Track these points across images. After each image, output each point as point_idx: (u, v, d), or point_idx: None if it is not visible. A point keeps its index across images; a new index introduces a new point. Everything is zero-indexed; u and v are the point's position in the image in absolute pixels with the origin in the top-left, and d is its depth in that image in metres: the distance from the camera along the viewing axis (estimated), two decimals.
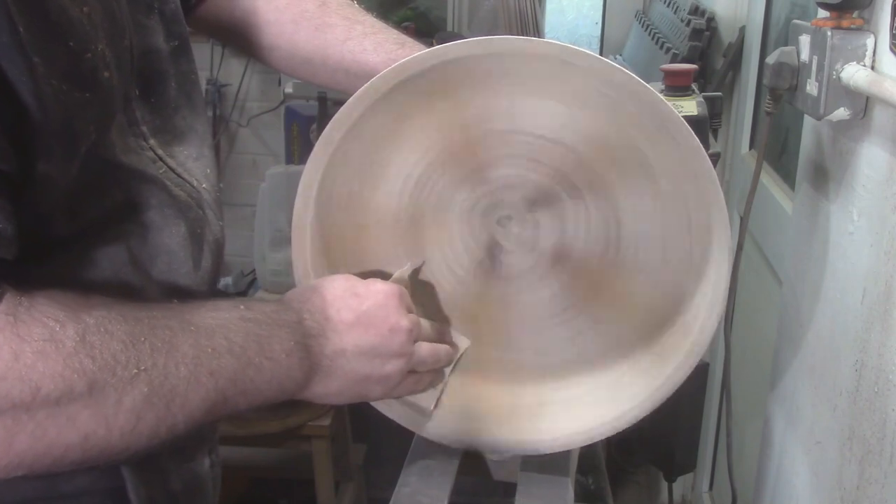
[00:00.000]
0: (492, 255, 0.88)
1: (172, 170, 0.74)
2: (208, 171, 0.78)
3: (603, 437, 0.91)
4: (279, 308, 0.71)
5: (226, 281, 3.32)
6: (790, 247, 1.18)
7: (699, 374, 0.88)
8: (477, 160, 0.84)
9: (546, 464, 0.93)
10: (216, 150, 3.29)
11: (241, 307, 0.67)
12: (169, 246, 0.71)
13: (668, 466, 1.59)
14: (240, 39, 0.95)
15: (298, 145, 2.96)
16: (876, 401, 0.83)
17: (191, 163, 0.76)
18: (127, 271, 0.68)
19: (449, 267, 0.90)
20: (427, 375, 0.82)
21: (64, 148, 0.59)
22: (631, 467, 2.18)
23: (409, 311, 0.79)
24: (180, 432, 0.61)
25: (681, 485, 2.17)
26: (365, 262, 0.88)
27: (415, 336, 0.78)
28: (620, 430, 0.89)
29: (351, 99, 0.78)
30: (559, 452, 0.92)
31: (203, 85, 3.20)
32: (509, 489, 0.93)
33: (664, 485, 1.94)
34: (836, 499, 0.92)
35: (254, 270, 2.95)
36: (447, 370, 0.87)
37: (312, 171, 0.82)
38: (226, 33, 0.95)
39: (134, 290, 0.69)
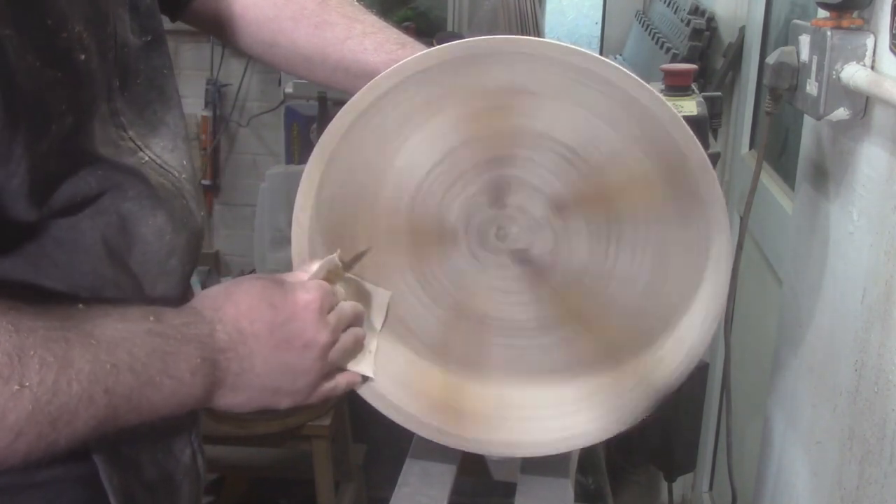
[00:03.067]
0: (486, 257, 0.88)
1: (153, 160, 0.73)
2: (184, 162, 0.77)
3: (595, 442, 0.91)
4: (190, 320, 0.68)
5: (226, 281, 3.32)
6: (790, 247, 1.18)
7: (699, 374, 0.87)
8: (485, 162, 0.84)
9: (546, 464, 0.93)
10: (216, 149, 3.29)
11: (151, 318, 0.65)
12: (146, 236, 0.70)
13: (668, 466, 1.59)
14: (237, 35, 0.94)
15: (298, 145, 2.96)
16: (876, 401, 0.83)
17: (167, 154, 0.76)
18: (103, 261, 0.67)
19: (442, 266, 0.89)
20: (343, 377, 0.82)
21: (32, 124, 0.58)
22: (631, 467, 2.18)
23: (332, 310, 0.77)
24: (61, 449, 0.59)
25: (681, 485, 2.17)
26: (364, 262, 0.88)
27: (333, 340, 0.77)
28: (620, 431, 0.89)
29: (352, 98, 0.78)
30: (559, 453, 0.92)
31: (203, 85, 3.20)
32: (509, 489, 0.93)
33: (664, 485, 1.94)
34: (836, 499, 0.92)
35: (253, 270, 2.95)
36: (375, 330, 0.87)
37: (313, 170, 0.82)
38: (222, 29, 0.94)
39: (108, 280, 0.67)
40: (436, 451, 0.94)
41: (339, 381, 0.81)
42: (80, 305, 0.63)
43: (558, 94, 0.78)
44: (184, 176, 0.77)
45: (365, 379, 0.86)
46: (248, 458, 2.23)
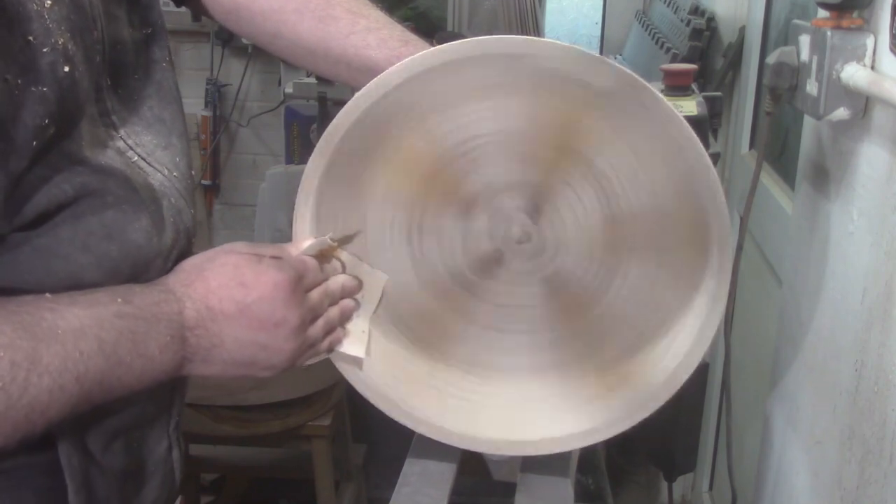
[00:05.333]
0: (489, 255, 0.88)
1: (143, 158, 0.73)
2: (177, 159, 0.77)
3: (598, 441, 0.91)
4: (160, 298, 0.69)
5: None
6: (790, 247, 1.18)
7: (699, 374, 0.87)
8: (450, 184, 0.84)
9: (546, 464, 0.93)
10: (216, 149, 3.29)
11: (119, 300, 0.65)
12: (136, 240, 0.69)
13: (668, 466, 1.59)
14: (241, 24, 0.94)
15: (298, 145, 2.96)
16: (876, 401, 0.83)
17: (159, 152, 0.76)
18: (83, 268, 0.66)
19: (443, 261, 0.89)
20: (325, 342, 0.82)
21: (10, 146, 0.58)
22: (631, 467, 2.18)
23: (315, 286, 0.78)
24: (36, 435, 0.61)
25: (681, 485, 2.17)
26: (365, 262, 0.88)
27: (312, 318, 0.77)
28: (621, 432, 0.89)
29: (354, 97, 0.78)
30: (559, 452, 0.92)
31: (203, 85, 3.20)
32: (509, 489, 0.93)
33: (664, 485, 1.94)
34: (836, 499, 0.92)
35: None
36: (369, 312, 0.87)
37: (313, 170, 0.82)
38: (227, 17, 0.94)
39: (87, 286, 0.67)
40: (436, 451, 0.94)
41: (322, 345, 0.82)
42: (48, 295, 0.63)
43: (609, 115, 0.80)
44: (175, 174, 0.76)
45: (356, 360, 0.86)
46: (248, 458, 2.23)
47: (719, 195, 0.78)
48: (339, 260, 0.85)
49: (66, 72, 0.61)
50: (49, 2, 0.61)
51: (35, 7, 0.59)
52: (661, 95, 0.75)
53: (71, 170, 0.65)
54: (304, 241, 0.82)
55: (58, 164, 0.64)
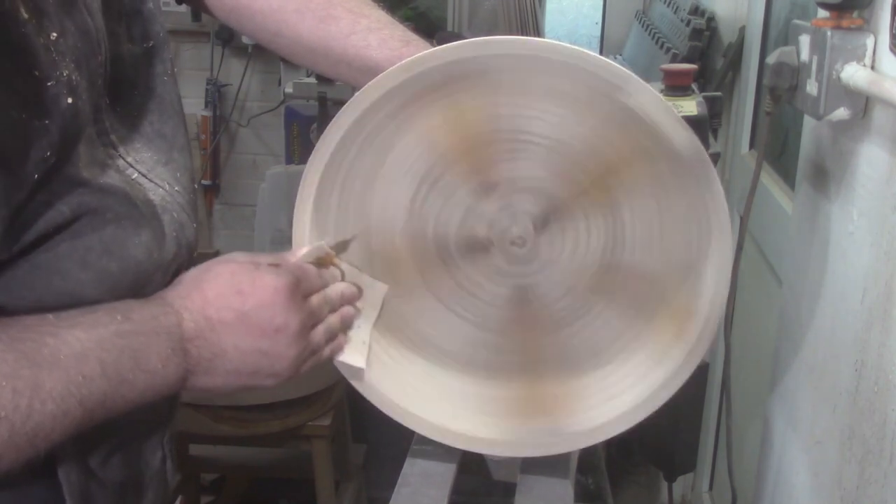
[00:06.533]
0: (479, 241, 0.88)
1: (143, 175, 0.73)
2: (178, 174, 0.77)
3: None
4: (159, 311, 0.69)
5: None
6: (790, 247, 1.18)
7: (699, 374, 0.87)
8: (482, 161, 0.84)
9: (546, 464, 0.93)
10: (216, 149, 3.29)
11: (119, 317, 0.65)
12: (136, 256, 0.69)
13: (668, 466, 1.59)
14: (242, 22, 0.94)
15: (298, 145, 2.96)
16: (876, 401, 0.83)
17: (160, 168, 0.75)
18: (82, 284, 0.66)
19: (436, 223, 0.88)
20: (327, 349, 0.82)
21: (11, 180, 0.58)
22: (631, 467, 2.18)
23: (314, 292, 0.78)
24: (40, 457, 0.61)
25: (681, 485, 2.17)
26: (365, 261, 0.88)
27: (312, 323, 0.77)
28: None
29: (353, 97, 0.78)
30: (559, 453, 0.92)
31: (203, 85, 3.20)
32: (509, 489, 0.93)
33: (664, 485, 1.94)
34: (836, 499, 0.92)
35: None
36: (370, 322, 0.87)
37: (314, 169, 0.82)
38: (228, 15, 0.94)
39: (87, 302, 0.66)
40: (436, 451, 0.94)
41: (324, 352, 0.81)
42: (50, 316, 0.63)
43: (531, 87, 0.79)
44: (176, 188, 0.76)
45: (357, 369, 0.86)
46: (248, 458, 2.23)
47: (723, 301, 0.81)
48: (339, 268, 0.85)
49: (69, 103, 0.61)
50: (55, 34, 0.60)
51: (41, 41, 0.59)
52: (716, 177, 0.77)
53: (70, 192, 0.64)
54: (302, 248, 0.82)
55: (58, 189, 0.63)
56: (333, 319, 0.81)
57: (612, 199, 0.83)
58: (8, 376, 0.58)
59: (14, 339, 0.60)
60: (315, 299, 0.78)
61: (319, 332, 0.79)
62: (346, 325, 0.85)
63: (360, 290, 0.87)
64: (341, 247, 0.86)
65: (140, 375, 0.65)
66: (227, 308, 0.71)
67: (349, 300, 0.85)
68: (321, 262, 0.82)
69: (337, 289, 0.83)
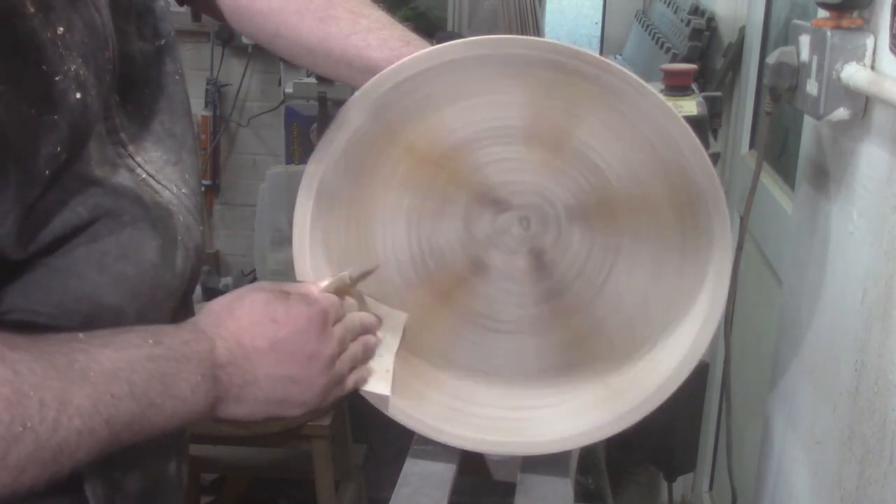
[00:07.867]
0: (484, 257, 0.88)
1: (152, 176, 0.73)
2: (187, 175, 0.77)
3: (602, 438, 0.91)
4: (191, 337, 0.68)
5: (226, 281, 3.32)
6: (790, 247, 1.18)
7: (699, 374, 0.88)
8: (481, 163, 0.84)
9: (546, 464, 0.93)
10: (216, 149, 3.29)
11: (150, 341, 0.65)
12: (152, 259, 0.69)
13: (668, 466, 1.59)
14: (242, 23, 0.94)
15: (298, 145, 2.96)
16: (876, 401, 0.83)
17: (169, 168, 0.75)
18: (99, 287, 0.66)
19: (438, 263, 0.89)
20: (350, 378, 0.82)
21: (23, 177, 0.58)
22: (631, 467, 2.18)
23: (338, 322, 0.78)
24: (64, 475, 0.60)
25: (681, 485, 2.17)
26: (366, 261, 0.88)
27: (339, 352, 0.77)
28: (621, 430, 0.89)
29: (353, 97, 0.78)
30: (559, 452, 0.92)
31: (203, 85, 3.20)
32: (509, 489, 0.93)
33: (664, 485, 1.94)
34: (836, 499, 0.92)
35: (254, 270, 2.95)
36: (392, 350, 0.87)
37: (314, 169, 0.82)
38: (228, 16, 0.94)
39: (105, 305, 0.67)
40: (436, 452, 0.94)
41: (348, 382, 0.82)
42: (81, 335, 0.62)
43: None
44: (184, 191, 0.76)
45: (381, 396, 0.87)
46: (248, 458, 2.23)
47: (715, 181, 0.78)
48: (357, 299, 0.85)
49: (77, 98, 0.61)
50: (62, 28, 0.60)
51: (48, 35, 0.59)
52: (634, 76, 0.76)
53: (84, 192, 0.64)
54: (323, 280, 0.82)
55: (70, 186, 0.63)
56: (356, 348, 0.82)
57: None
58: (36, 387, 0.57)
59: (43, 351, 0.59)
60: (339, 328, 0.78)
61: (344, 361, 0.79)
62: (368, 354, 0.85)
63: (379, 320, 0.87)
64: (361, 277, 0.87)
65: (168, 401, 0.64)
66: (262, 336, 0.72)
67: (369, 329, 0.85)
68: (339, 291, 0.82)
69: (356, 318, 0.83)
